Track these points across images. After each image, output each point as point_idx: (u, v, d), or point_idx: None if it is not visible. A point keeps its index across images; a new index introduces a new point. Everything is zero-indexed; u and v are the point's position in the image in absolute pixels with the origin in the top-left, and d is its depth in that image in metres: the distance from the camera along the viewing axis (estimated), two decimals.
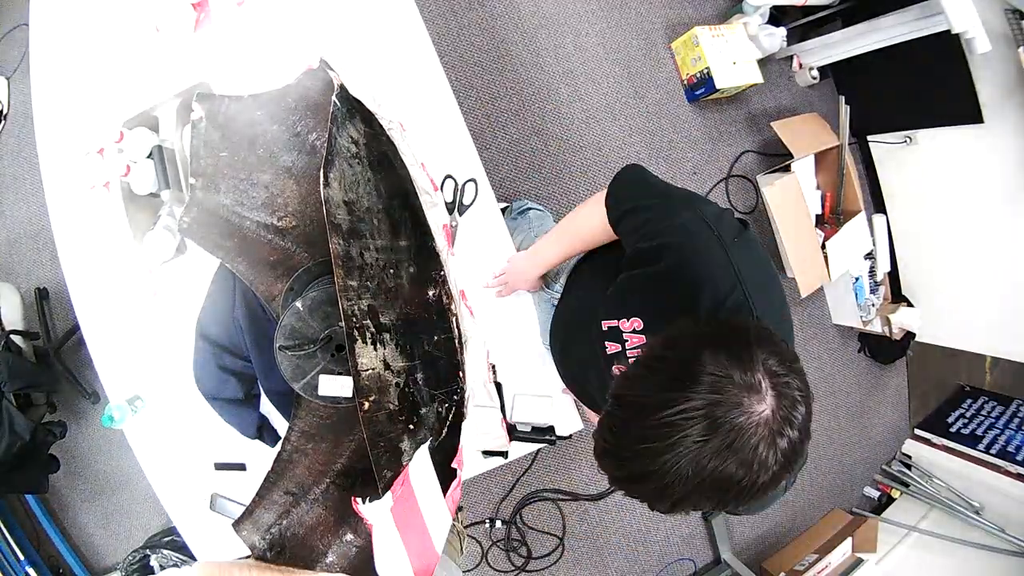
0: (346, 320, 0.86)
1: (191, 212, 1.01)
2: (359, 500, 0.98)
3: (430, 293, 1.07)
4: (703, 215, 0.72)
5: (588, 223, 0.93)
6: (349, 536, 1.05)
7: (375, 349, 0.93)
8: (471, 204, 1.20)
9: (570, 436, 1.22)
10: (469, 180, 1.19)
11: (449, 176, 1.19)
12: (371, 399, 0.90)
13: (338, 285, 0.86)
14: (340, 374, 0.99)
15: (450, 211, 1.18)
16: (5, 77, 2.12)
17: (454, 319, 1.08)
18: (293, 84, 1.04)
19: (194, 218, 1.01)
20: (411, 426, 0.98)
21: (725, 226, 0.71)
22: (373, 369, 0.92)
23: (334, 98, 0.94)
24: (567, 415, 1.21)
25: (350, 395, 0.99)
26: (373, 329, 0.93)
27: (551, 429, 1.18)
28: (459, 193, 1.19)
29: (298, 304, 0.98)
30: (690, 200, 0.77)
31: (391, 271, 1.00)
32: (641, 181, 0.87)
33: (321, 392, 0.99)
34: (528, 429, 1.18)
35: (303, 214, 1.05)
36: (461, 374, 1.05)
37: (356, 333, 0.89)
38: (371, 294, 0.94)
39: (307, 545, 1.04)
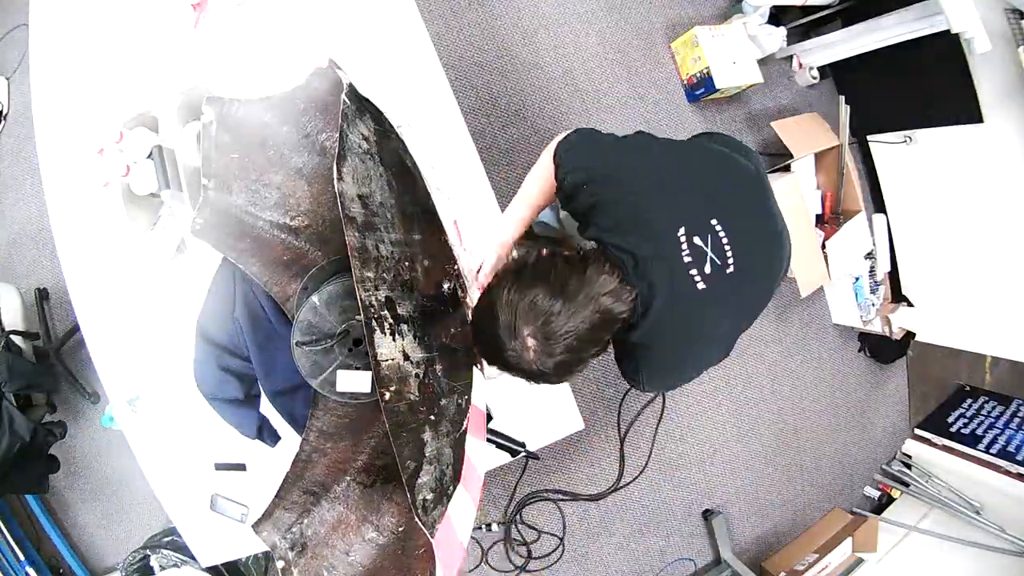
0: (364, 311, 0.86)
1: (204, 213, 1.01)
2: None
3: (445, 286, 1.08)
4: None
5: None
6: (372, 534, 1.05)
7: (394, 340, 0.93)
8: None
9: (538, 457, 1.24)
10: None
11: None
12: (392, 389, 0.90)
13: (355, 276, 0.86)
14: (358, 369, 0.99)
15: None
16: (5, 77, 2.12)
17: (470, 312, 1.08)
18: (302, 85, 1.04)
19: (207, 219, 1.02)
20: (432, 417, 0.98)
21: None
22: (393, 359, 0.92)
23: (343, 96, 0.96)
24: (560, 424, 1.21)
25: (368, 390, 0.99)
26: (391, 320, 0.93)
27: (522, 444, 1.20)
28: None
29: (314, 299, 0.98)
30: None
31: (407, 264, 1.00)
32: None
33: (339, 388, 0.99)
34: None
35: (315, 213, 1.05)
36: (479, 366, 1.05)
37: (374, 323, 0.89)
38: (388, 286, 0.94)
39: (329, 544, 1.04)
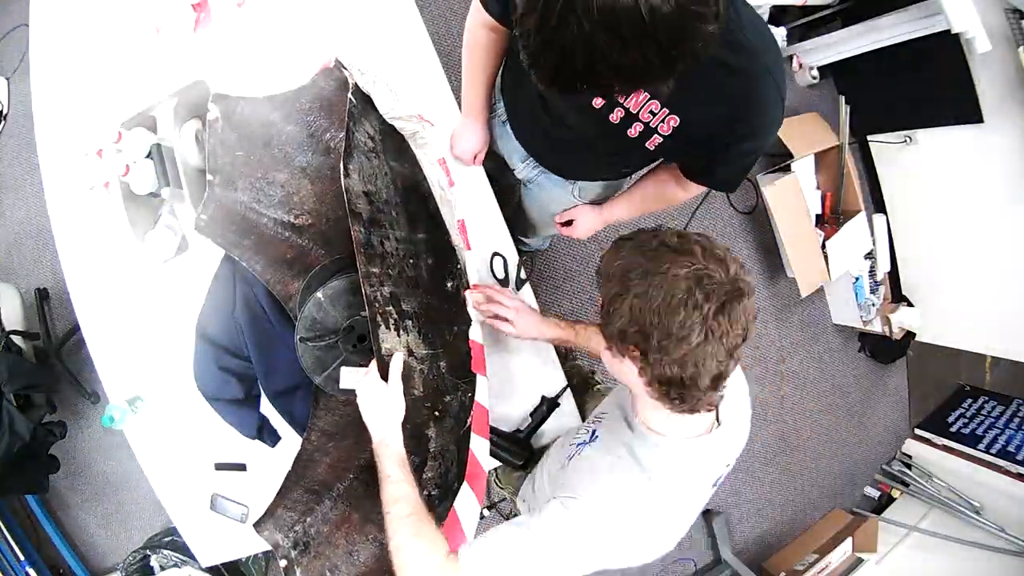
0: (369, 305, 0.87)
1: (208, 210, 1.02)
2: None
3: (449, 285, 1.08)
4: None
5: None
6: (376, 533, 1.05)
7: (398, 335, 0.93)
8: (527, 279, 1.20)
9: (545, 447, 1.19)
10: (523, 260, 1.20)
11: (498, 254, 1.19)
12: None
13: (361, 271, 0.87)
14: (362, 366, 0.99)
15: (504, 285, 1.18)
16: (5, 77, 2.12)
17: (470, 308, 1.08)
18: (307, 85, 1.05)
19: (211, 215, 1.02)
20: (436, 413, 0.98)
21: None
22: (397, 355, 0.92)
23: (350, 95, 0.96)
24: (559, 423, 1.20)
25: None
26: (396, 316, 0.93)
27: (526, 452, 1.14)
28: (517, 269, 1.19)
29: (319, 294, 0.98)
30: None
31: (411, 261, 1.01)
32: None
33: (343, 385, 0.98)
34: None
35: (319, 212, 1.06)
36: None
37: (379, 318, 0.89)
38: (393, 282, 0.95)
39: (332, 543, 1.04)
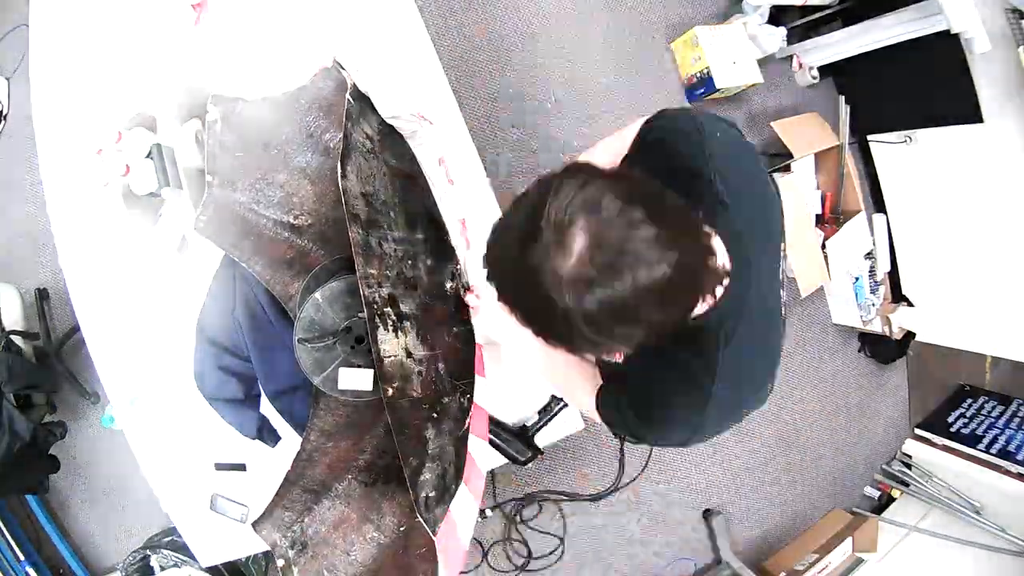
0: (367, 307, 0.87)
1: (207, 210, 1.01)
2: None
3: (448, 286, 1.08)
4: None
5: None
6: (373, 533, 1.05)
7: (396, 336, 0.93)
8: None
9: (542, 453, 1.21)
10: None
11: None
12: (394, 385, 0.90)
13: (359, 272, 0.87)
14: (360, 367, 0.99)
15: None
16: (5, 77, 2.12)
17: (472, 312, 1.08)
18: (307, 86, 1.05)
19: (210, 216, 1.02)
20: (435, 415, 0.98)
21: None
22: (395, 356, 0.92)
23: (348, 95, 0.97)
24: (560, 424, 1.21)
25: (370, 388, 0.99)
26: (394, 317, 0.94)
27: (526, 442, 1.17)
28: None
29: (317, 295, 0.98)
30: None
31: (409, 262, 1.01)
32: None
33: (341, 386, 0.99)
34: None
35: (319, 212, 1.06)
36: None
37: (377, 319, 0.89)
38: (391, 283, 0.95)
39: (330, 543, 1.04)
